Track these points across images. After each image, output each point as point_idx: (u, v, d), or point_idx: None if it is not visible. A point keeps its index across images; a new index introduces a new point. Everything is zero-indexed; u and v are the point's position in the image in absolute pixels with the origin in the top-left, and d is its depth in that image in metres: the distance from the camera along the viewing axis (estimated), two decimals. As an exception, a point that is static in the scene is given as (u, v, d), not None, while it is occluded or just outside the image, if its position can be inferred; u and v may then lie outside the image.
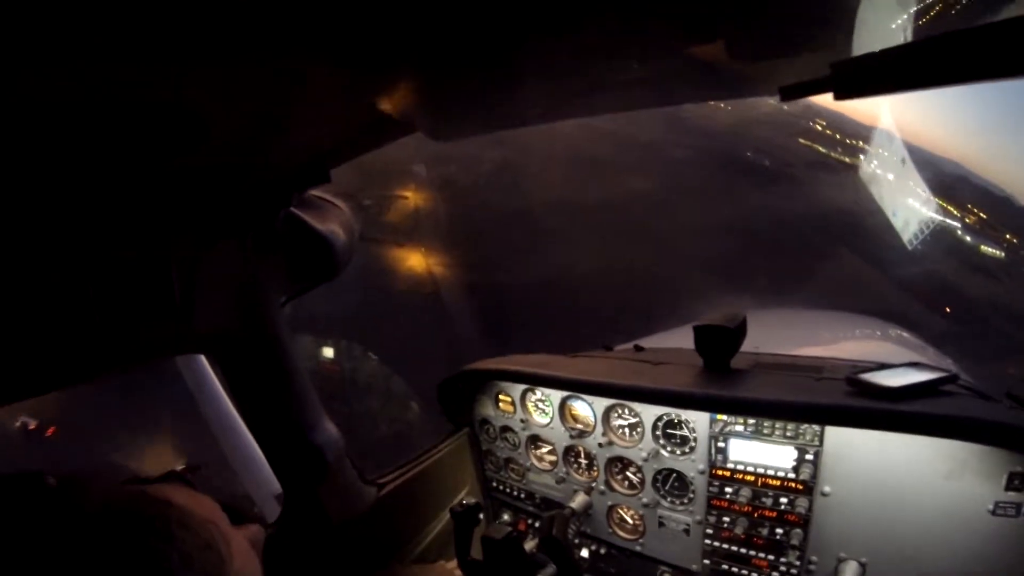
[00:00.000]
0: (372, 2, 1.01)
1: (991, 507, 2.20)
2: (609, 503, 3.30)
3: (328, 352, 16.06)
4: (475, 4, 1.08)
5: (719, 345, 2.96)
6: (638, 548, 3.23)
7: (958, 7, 1.45)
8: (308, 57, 1.17)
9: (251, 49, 1.07)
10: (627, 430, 3.17)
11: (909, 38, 1.37)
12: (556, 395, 3.36)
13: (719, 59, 1.50)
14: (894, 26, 1.48)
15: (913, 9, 1.46)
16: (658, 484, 3.08)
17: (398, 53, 1.26)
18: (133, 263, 1.90)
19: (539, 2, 1.10)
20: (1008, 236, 42.88)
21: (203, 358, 4.76)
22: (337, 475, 2.86)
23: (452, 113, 1.96)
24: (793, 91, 1.39)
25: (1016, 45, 1.04)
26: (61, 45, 0.85)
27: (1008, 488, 2.17)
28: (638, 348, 4.00)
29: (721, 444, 2.81)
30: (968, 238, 42.82)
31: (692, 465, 2.92)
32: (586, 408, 3.27)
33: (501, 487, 3.88)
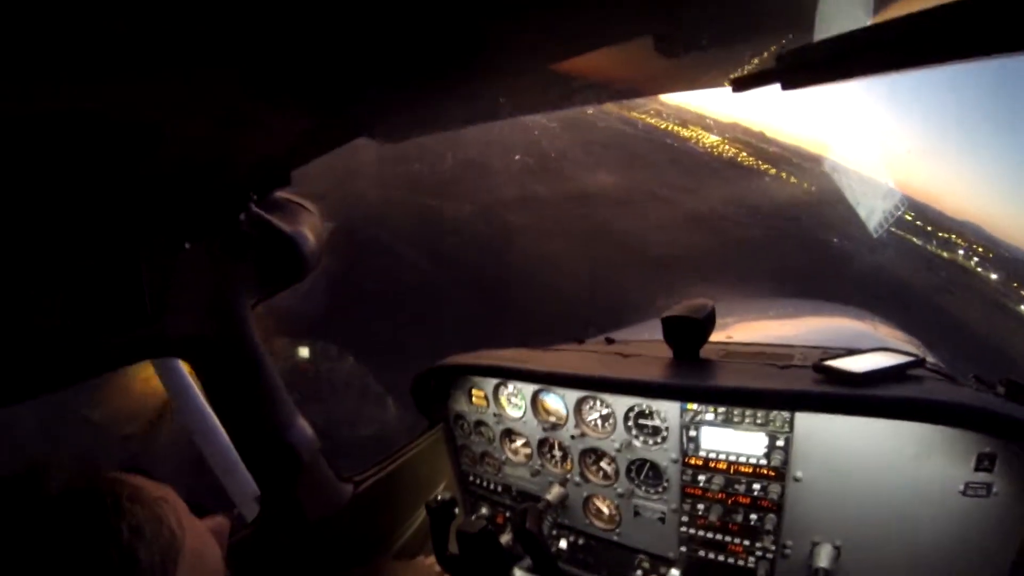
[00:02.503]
0: (321, 27, 1.02)
1: (961, 488, 2.24)
2: (585, 494, 3.32)
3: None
4: (418, 20, 1.09)
5: (688, 335, 2.99)
6: (615, 538, 3.25)
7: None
8: (259, 76, 1.18)
9: (202, 68, 1.07)
10: (599, 421, 3.18)
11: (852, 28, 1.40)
12: (528, 388, 3.37)
13: (673, 52, 1.52)
14: (845, 17, 1.51)
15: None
16: (632, 474, 3.10)
17: (349, 72, 1.27)
18: (101, 270, 1.90)
19: (486, 7, 1.12)
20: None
21: (179, 361, 4.74)
22: (312, 473, 2.87)
23: (400, 118, 1.97)
24: (744, 83, 1.41)
25: (950, 30, 1.07)
26: (13, 62, 0.86)
27: (977, 469, 2.21)
28: (609, 340, 4.02)
29: (692, 433, 2.83)
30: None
31: (665, 454, 2.94)
32: (558, 401, 3.29)
33: (478, 481, 3.89)
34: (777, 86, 1.32)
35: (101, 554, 1.05)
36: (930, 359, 2.79)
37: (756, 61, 1.65)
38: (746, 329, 5.67)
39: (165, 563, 1.14)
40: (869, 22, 1.46)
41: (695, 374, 2.84)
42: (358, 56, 1.20)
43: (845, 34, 1.21)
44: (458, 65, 1.42)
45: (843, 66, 1.22)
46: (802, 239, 41.93)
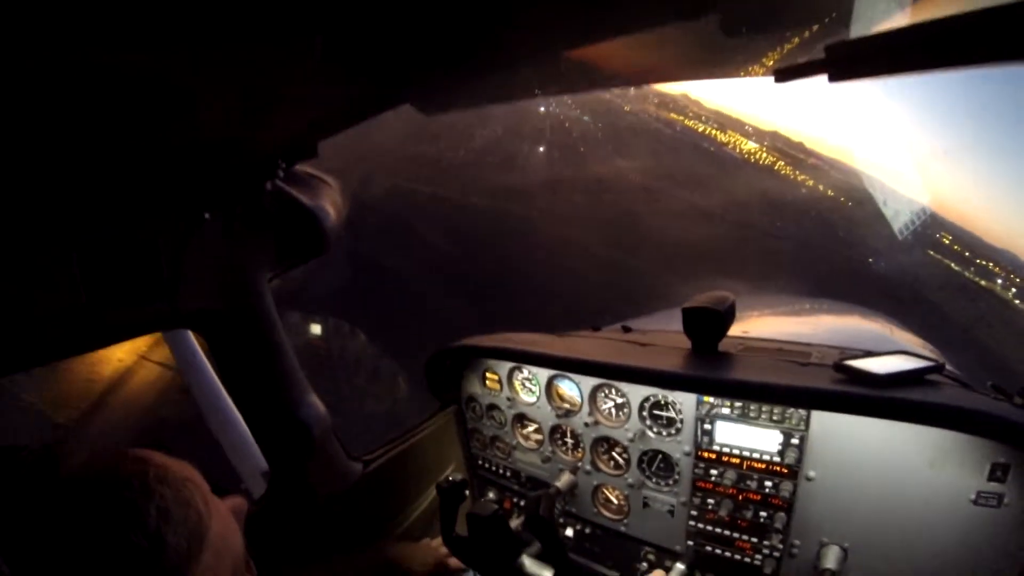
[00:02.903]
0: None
1: (973, 497, 2.23)
2: (594, 483, 3.31)
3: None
4: None
5: (707, 328, 2.96)
6: (623, 528, 3.25)
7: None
8: (295, 41, 1.15)
9: (239, 32, 1.05)
10: (614, 410, 3.18)
11: (904, 22, 1.37)
12: (543, 374, 3.37)
13: (713, 37, 1.49)
14: (890, 10, 1.48)
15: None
16: (644, 465, 3.10)
17: (389, 35, 1.25)
18: (120, 239, 1.89)
19: None
20: None
21: (190, 333, 4.75)
22: (323, 451, 2.87)
23: (443, 87, 1.94)
24: (788, 73, 1.38)
25: (1011, 30, 1.04)
26: (45, 23, 0.84)
27: (990, 479, 2.20)
28: (626, 329, 4.00)
29: (707, 426, 2.82)
30: None
31: (678, 446, 2.93)
32: (573, 388, 3.28)
33: (487, 465, 3.89)
34: (823, 78, 1.30)
35: (129, 537, 1.04)
36: (947, 366, 2.77)
37: (788, 50, 1.62)
38: (763, 325, 5.65)
39: (191, 546, 1.13)
40: (908, 11, 1.43)
41: (714, 367, 2.82)
42: (402, 25, 1.19)
43: (900, 29, 1.19)
44: (493, 42, 1.40)
45: (895, 60, 1.20)
46: (834, 252, 41.51)
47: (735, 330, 3.06)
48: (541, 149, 39.63)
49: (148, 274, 2.02)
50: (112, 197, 1.81)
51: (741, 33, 1.49)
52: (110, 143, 1.44)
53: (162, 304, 2.16)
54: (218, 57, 1.16)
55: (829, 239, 44.32)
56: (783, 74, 1.39)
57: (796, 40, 1.62)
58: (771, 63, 1.64)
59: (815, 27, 1.56)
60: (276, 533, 2.79)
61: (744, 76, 1.75)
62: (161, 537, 1.07)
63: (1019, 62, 1.09)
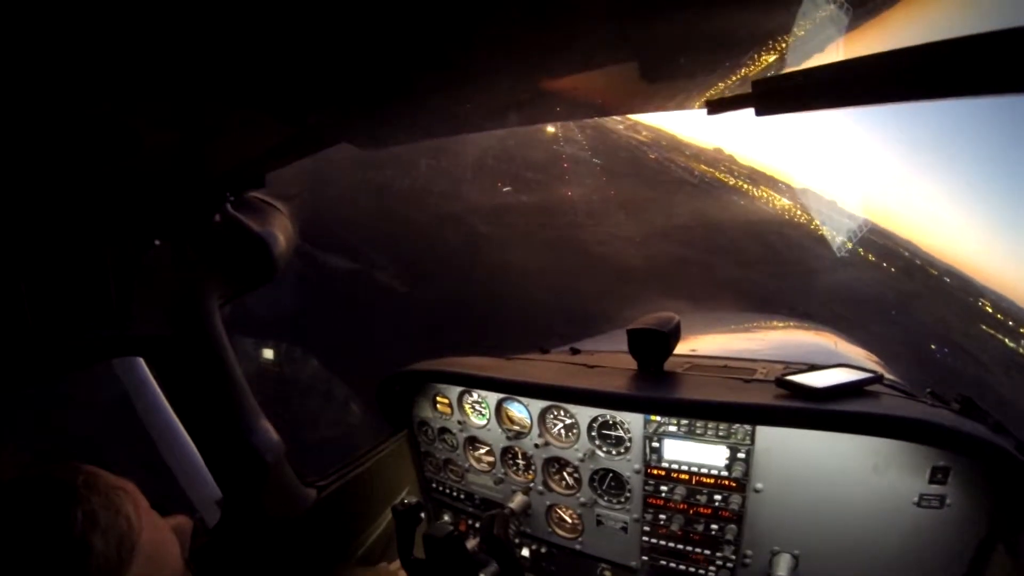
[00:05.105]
0: (296, 46, 1.03)
1: (916, 499, 2.31)
2: (548, 503, 3.34)
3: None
4: (390, 39, 1.10)
5: (652, 348, 3.01)
6: (578, 547, 3.28)
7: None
8: (236, 90, 1.18)
9: (181, 81, 1.07)
10: (563, 431, 3.21)
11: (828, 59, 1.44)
12: (492, 397, 3.39)
13: (644, 75, 1.55)
14: (818, 48, 1.55)
15: (834, 34, 1.53)
16: (595, 484, 3.13)
17: (323, 87, 1.27)
18: (68, 266, 1.87)
19: (464, 26, 1.13)
20: None
21: (141, 360, 4.66)
22: (276, 477, 2.85)
23: (380, 126, 1.98)
24: (718, 106, 1.44)
25: (925, 69, 1.10)
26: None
27: (932, 481, 2.29)
28: (574, 351, 4.04)
29: (655, 444, 2.86)
30: None
31: (628, 465, 2.97)
32: (522, 410, 3.31)
33: (441, 488, 3.89)
34: (751, 111, 1.35)
35: (53, 542, 1.04)
36: (888, 376, 2.85)
37: (733, 83, 1.69)
38: (710, 342, 5.72)
39: (121, 553, 1.12)
40: (840, 47, 1.50)
41: (659, 386, 2.87)
42: (331, 72, 1.21)
43: (821, 66, 1.25)
44: (431, 82, 1.44)
45: (816, 96, 1.26)
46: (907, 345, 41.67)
47: (684, 348, 3.11)
48: (524, 198, 39.53)
49: (98, 301, 2.00)
50: (62, 224, 1.79)
51: (679, 68, 1.55)
52: (58, 173, 1.44)
53: (111, 331, 2.14)
54: (160, 102, 1.18)
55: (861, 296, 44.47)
56: (714, 107, 1.45)
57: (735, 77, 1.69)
58: (706, 96, 1.70)
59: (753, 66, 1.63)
60: (230, 561, 2.76)
61: (679, 109, 1.82)
62: (87, 543, 1.07)
63: (932, 99, 1.16)
